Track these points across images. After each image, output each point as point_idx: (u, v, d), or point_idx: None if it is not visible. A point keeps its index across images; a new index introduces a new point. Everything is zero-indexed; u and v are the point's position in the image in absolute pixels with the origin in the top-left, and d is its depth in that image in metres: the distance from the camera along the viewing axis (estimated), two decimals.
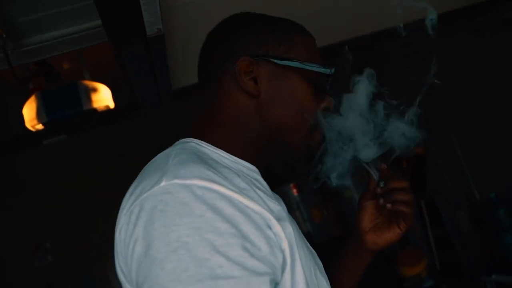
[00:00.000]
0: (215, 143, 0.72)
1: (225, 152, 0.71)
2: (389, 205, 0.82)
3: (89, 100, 2.20)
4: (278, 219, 0.60)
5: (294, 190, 4.47)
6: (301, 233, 0.68)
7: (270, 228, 0.58)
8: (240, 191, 0.58)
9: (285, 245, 0.58)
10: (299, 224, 3.47)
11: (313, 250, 0.77)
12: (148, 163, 0.70)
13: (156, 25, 1.34)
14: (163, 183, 0.57)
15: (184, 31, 1.61)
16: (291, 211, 5.13)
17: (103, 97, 2.26)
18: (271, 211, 0.59)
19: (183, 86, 1.95)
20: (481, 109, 3.14)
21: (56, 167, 3.75)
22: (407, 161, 4.02)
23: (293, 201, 4.49)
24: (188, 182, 0.56)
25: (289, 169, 0.89)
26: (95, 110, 2.21)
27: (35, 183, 3.84)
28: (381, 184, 0.82)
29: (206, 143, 0.71)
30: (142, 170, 0.68)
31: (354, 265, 0.89)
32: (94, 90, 2.23)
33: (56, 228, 4.07)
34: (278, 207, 0.63)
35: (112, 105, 2.30)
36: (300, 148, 0.76)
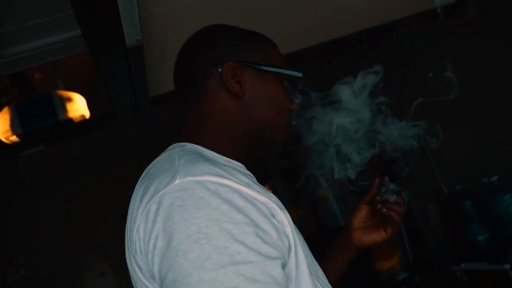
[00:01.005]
0: (206, 145, 0.77)
1: (216, 153, 0.76)
2: (384, 210, 0.98)
3: (65, 110, 2.21)
4: (280, 208, 0.66)
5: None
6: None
7: (274, 216, 0.64)
8: (246, 185, 0.63)
9: (289, 231, 0.64)
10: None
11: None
12: (149, 166, 0.74)
13: (135, 36, 1.38)
14: (177, 181, 0.62)
15: (162, 39, 1.65)
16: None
17: (78, 106, 2.27)
18: (277, 203, 0.65)
19: (160, 93, 1.99)
20: (446, 109, 3.29)
21: (29, 180, 3.71)
22: (377, 159, 4.15)
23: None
24: (201, 178, 0.62)
25: (264, 169, 0.96)
26: (71, 119, 2.22)
27: (7, 196, 3.78)
28: (383, 190, 0.92)
29: (199, 146, 0.76)
30: (146, 174, 0.72)
31: (339, 258, 0.98)
32: (69, 100, 2.24)
33: (29, 243, 4.01)
34: (276, 198, 0.69)
35: (87, 114, 2.32)
36: (280, 143, 0.83)
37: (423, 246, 3.97)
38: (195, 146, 0.76)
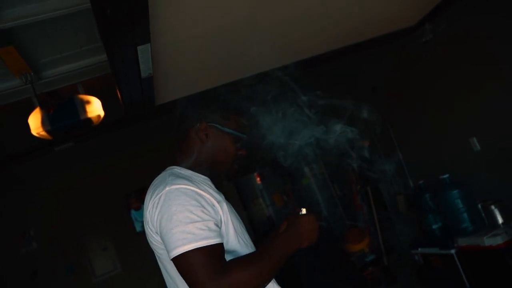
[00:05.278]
0: (187, 167, 1.38)
1: (192, 171, 1.37)
2: None
3: (85, 111, 2.79)
4: (219, 202, 1.26)
5: (258, 179, 5.17)
6: (233, 210, 1.34)
7: (213, 205, 1.23)
8: (199, 188, 1.22)
9: (221, 213, 1.25)
10: (262, 209, 4.43)
11: (240, 219, 1.42)
12: (154, 180, 1.35)
13: (148, 71, 1.96)
14: (167, 188, 1.22)
15: (165, 62, 2.22)
16: (255, 197, 5.87)
17: (95, 108, 2.85)
18: (215, 198, 1.26)
19: (163, 103, 2.57)
20: (414, 116, 3.89)
21: (48, 167, 4.38)
22: (355, 153, 4.76)
23: (256, 188, 5.19)
24: (177, 186, 1.22)
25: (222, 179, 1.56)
26: (89, 119, 2.79)
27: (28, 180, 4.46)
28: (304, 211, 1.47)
29: (182, 168, 1.36)
30: (153, 184, 1.34)
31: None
32: (88, 102, 2.82)
33: (41, 219, 4.64)
34: (220, 197, 1.29)
35: (102, 113, 2.89)
36: (225, 170, 1.44)
37: (392, 232, 4.60)
38: (179, 168, 1.36)
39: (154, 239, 1.27)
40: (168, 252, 1.17)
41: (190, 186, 1.22)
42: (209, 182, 1.36)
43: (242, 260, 1.17)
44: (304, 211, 1.33)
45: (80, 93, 2.91)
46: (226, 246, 1.24)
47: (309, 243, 1.33)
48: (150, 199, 1.27)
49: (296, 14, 2.27)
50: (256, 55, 2.35)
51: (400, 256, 4.32)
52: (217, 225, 1.20)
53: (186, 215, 1.16)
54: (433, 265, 3.78)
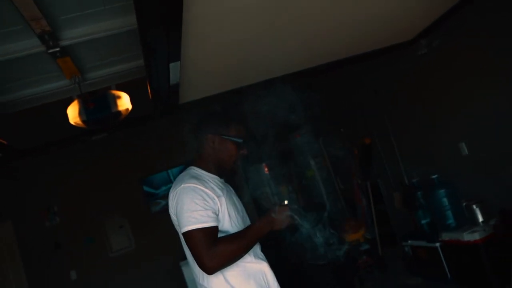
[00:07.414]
0: (202, 168, 1.88)
1: (206, 171, 1.87)
2: None
3: (115, 104, 3.30)
4: (218, 196, 1.73)
5: (266, 169, 5.68)
6: (232, 200, 1.82)
7: (214, 198, 1.70)
8: (205, 187, 1.71)
9: (219, 205, 1.72)
10: (268, 197, 5.15)
11: (239, 207, 1.89)
12: (177, 178, 1.83)
13: (176, 80, 2.45)
14: (182, 185, 1.71)
15: (189, 71, 2.71)
16: (263, 186, 6.48)
17: (124, 102, 3.36)
18: (216, 193, 1.72)
19: (185, 102, 3.07)
20: (411, 119, 4.34)
21: (81, 154, 4.99)
22: (357, 149, 5.24)
23: (264, 178, 5.70)
24: (188, 185, 1.70)
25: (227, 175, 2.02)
26: (119, 112, 3.31)
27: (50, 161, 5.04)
28: (285, 203, 1.89)
29: (199, 168, 1.86)
30: (175, 181, 1.82)
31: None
32: (119, 97, 3.33)
33: (64, 196, 5.22)
34: (220, 192, 1.76)
35: (130, 107, 3.40)
36: (228, 169, 1.93)
37: (388, 225, 5.08)
38: (195, 168, 1.84)
39: (173, 219, 1.79)
40: (180, 229, 1.68)
41: (198, 185, 1.69)
42: (216, 180, 1.84)
43: (227, 238, 1.68)
44: (286, 202, 1.79)
45: (112, 89, 3.43)
46: (221, 228, 1.73)
47: (278, 227, 1.75)
48: (172, 191, 1.77)
49: (311, 27, 2.72)
50: (269, 65, 2.83)
51: (392, 247, 4.80)
52: (214, 213, 1.69)
53: (192, 205, 1.63)
54: (420, 256, 4.26)
